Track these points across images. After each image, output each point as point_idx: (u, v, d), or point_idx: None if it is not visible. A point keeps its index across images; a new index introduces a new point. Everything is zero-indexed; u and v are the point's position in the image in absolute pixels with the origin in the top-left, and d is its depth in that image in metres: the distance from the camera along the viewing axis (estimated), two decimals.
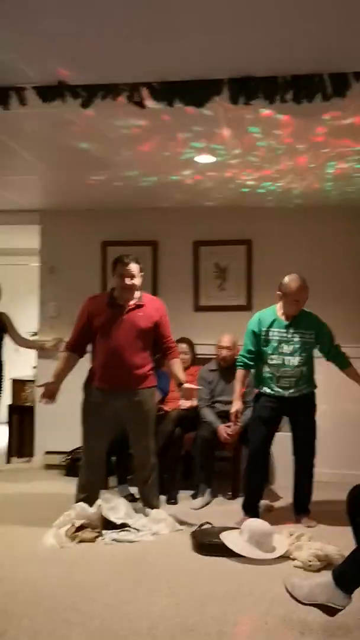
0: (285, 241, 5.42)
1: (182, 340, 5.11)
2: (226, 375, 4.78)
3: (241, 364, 4.05)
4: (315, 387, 4.06)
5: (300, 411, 3.98)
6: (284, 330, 3.92)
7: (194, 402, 3.96)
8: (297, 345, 3.90)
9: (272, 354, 3.92)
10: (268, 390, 3.98)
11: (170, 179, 4.48)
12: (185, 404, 3.92)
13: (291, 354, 3.89)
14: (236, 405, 3.99)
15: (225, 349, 4.75)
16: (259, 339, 3.96)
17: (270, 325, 3.95)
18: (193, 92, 2.59)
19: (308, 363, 3.96)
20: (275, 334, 3.93)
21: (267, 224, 5.46)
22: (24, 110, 2.94)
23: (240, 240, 5.49)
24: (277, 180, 4.52)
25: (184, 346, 5.07)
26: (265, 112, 3.03)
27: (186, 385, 3.89)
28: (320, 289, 5.29)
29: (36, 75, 2.70)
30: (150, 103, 2.76)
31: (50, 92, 2.72)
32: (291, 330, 3.91)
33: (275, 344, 3.92)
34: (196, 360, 5.16)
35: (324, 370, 4.95)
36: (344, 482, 4.61)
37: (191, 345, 5.16)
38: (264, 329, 3.95)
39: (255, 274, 5.47)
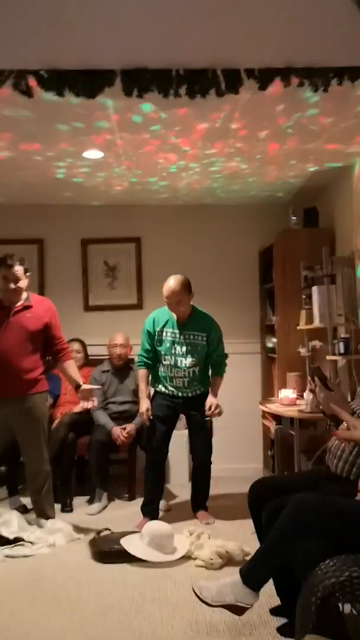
0: (175, 239, 5.42)
1: (73, 340, 4.95)
2: (119, 375, 4.70)
3: (141, 363, 4.01)
4: (209, 387, 4.04)
5: (195, 410, 3.96)
6: (177, 332, 3.89)
7: (94, 403, 3.84)
8: (189, 347, 3.88)
9: (166, 354, 3.90)
10: (163, 389, 3.97)
11: (55, 173, 4.30)
12: (85, 405, 3.80)
13: (183, 355, 3.87)
14: (145, 404, 3.92)
15: (119, 347, 4.67)
16: (154, 339, 3.93)
17: (164, 326, 3.92)
18: (84, 82, 2.47)
19: (201, 364, 3.93)
20: (168, 334, 3.91)
21: (156, 221, 5.42)
22: None
23: (130, 238, 5.41)
24: (163, 177, 4.48)
25: (76, 346, 4.92)
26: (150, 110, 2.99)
27: (85, 386, 3.78)
28: (209, 286, 5.37)
29: None
30: (38, 92, 2.60)
31: None
32: (184, 332, 3.89)
33: (169, 345, 3.89)
34: (88, 361, 5.02)
35: None
36: (237, 476, 4.76)
37: (83, 345, 5.02)
38: (158, 329, 3.92)
39: (146, 272, 5.42)
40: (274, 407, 4.25)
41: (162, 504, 4.33)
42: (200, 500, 4.07)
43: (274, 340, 4.92)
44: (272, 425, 4.62)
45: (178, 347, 3.88)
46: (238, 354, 5.35)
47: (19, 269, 3.64)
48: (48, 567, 3.25)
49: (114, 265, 5.44)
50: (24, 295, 3.72)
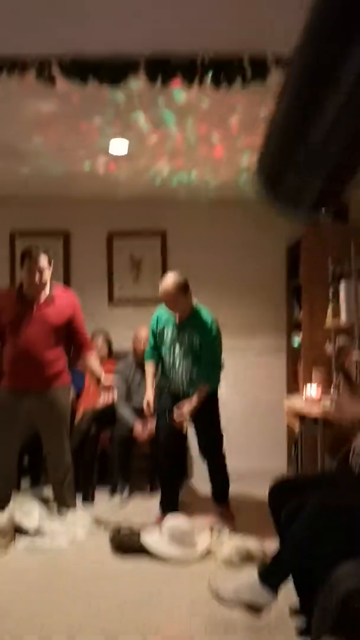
0: (201, 233, 5.37)
1: (98, 334, 4.95)
2: (143, 370, 4.65)
3: (147, 356, 4.01)
4: (217, 384, 3.89)
5: (198, 408, 3.76)
6: (176, 331, 3.79)
7: (114, 396, 3.82)
8: (187, 347, 3.76)
9: (165, 353, 3.85)
10: (167, 384, 3.91)
11: (82, 168, 4.29)
12: (105, 399, 3.79)
13: (181, 356, 3.77)
14: (149, 395, 3.90)
15: (144, 343, 4.62)
16: (156, 337, 3.89)
17: (165, 324, 3.84)
18: (108, 69, 2.44)
19: (200, 365, 3.79)
20: (168, 333, 3.82)
21: (182, 215, 5.37)
22: None
23: (155, 232, 5.38)
24: (190, 171, 4.43)
25: (100, 340, 4.92)
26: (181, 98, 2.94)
27: (105, 379, 3.75)
28: (235, 281, 5.33)
29: None
30: (61, 81, 2.57)
31: None
32: (181, 331, 3.77)
33: (168, 344, 3.82)
34: (112, 355, 5.01)
35: (234, 363, 4.97)
36: (260, 473, 4.70)
37: (108, 339, 5.01)
38: (159, 328, 3.86)
39: (171, 266, 5.37)
40: (298, 405, 4.18)
41: (185, 500, 4.31)
42: (218, 496, 3.97)
43: (300, 337, 4.84)
44: (296, 423, 4.55)
45: (177, 347, 3.78)
46: (263, 350, 5.31)
47: (43, 261, 3.63)
48: (67, 559, 3.25)
49: (139, 259, 5.42)
50: (47, 287, 3.72)
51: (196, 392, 3.72)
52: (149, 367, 3.99)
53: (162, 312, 3.88)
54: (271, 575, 2.25)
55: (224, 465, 3.96)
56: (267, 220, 5.32)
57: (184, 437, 3.97)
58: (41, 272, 3.61)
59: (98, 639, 2.41)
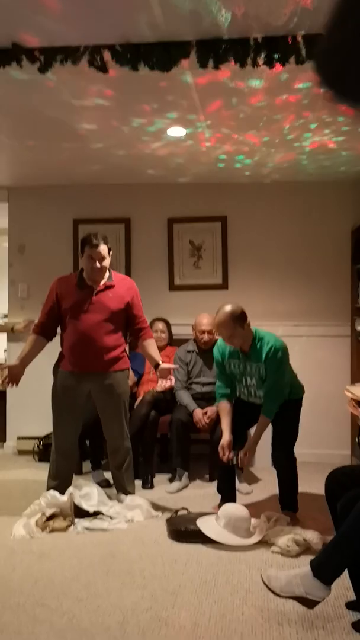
0: (262, 217, 5.28)
1: (158, 320, 4.98)
2: (204, 356, 4.65)
3: (218, 396, 3.75)
4: (301, 393, 3.75)
5: (281, 416, 3.60)
6: (243, 363, 3.59)
7: (172, 382, 3.80)
8: (256, 377, 3.55)
9: (239, 385, 3.67)
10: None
11: (141, 152, 4.29)
12: (163, 384, 3.81)
13: (255, 386, 3.59)
14: (226, 437, 3.58)
15: (207, 334, 4.59)
16: (225, 368, 3.68)
17: (230, 357, 3.64)
18: (158, 55, 2.41)
19: None
20: (235, 365, 3.63)
21: (242, 199, 5.30)
22: None
23: (216, 217, 5.32)
24: (251, 153, 4.35)
25: (160, 326, 4.94)
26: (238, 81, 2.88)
27: (163, 365, 3.75)
28: (297, 266, 5.22)
29: None
30: (113, 67, 2.57)
31: (4, 56, 2.51)
32: (248, 363, 3.56)
33: (239, 377, 3.63)
34: (172, 341, 5.03)
35: (297, 350, 4.88)
36: (323, 462, 4.62)
37: (168, 325, 5.03)
38: (227, 361, 3.66)
39: (231, 251, 5.33)
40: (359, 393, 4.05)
41: (245, 487, 4.29)
42: (286, 500, 3.76)
43: None
44: (358, 412, 4.42)
45: (248, 379, 3.59)
46: (326, 336, 5.19)
47: (103, 248, 3.67)
48: (124, 542, 3.30)
49: (199, 245, 5.38)
50: (107, 274, 3.75)
51: (258, 427, 3.53)
52: (223, 408, 3.68)
53: (224, 346, 3.63)
54: (325, 568, 2.21)
55: (295, 468, 3.75)
56: (330, 203, 5.21)
57: (245, 431, 3.90)
58: (100, 258, 3.65)
59: (150, 622, 2.43)
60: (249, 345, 3.53)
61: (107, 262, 3.70)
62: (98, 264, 3.65)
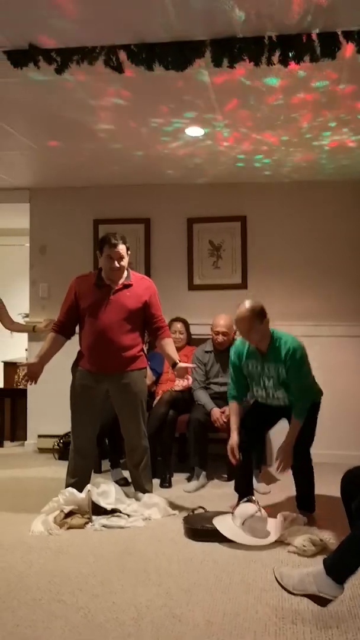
0: (281, 217, 5.27)
1: (177, 319, 4.99)
2: (222, 356, 4.65)
3: (229, 397, 3.78)
4: (317, 397, 3.71)
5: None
6: (260, 364, 3.57)
7: (189, 381, 3.82)
8: (275, 379, 3.54)
9: (256, 386, 3.67)
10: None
11: (160, 152, 4.31)
12: (181, 383, 3.82)
13: (273, 387, 3.58)
14: (234, 438, 3.64)
15: (222, 335, 4.59)
16: (241, 370, 3.68)
17: (247, 358, 3.63)
18: (173, 54, 2.43)
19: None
20: (252, 366, 3.62)
21: (261, 199, 5.30)
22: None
23: (235, 217, 5.33)
24: (270, 153, 4.35)
25: (178, 326, 4.96)
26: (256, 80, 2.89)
27: (181, 364, 3.75)
28: (316, 266, 5.20)
29: (5, 39, 2.52)
30: (129, 68, 2.59)
31: (22, 57, 2.55)
32: (266, 364, 3.54)
33: (257, 378, 3.62)
34: (191, 341, 5.04)
35: (322, 350, 4.86)
36: (340, 463, 4.57)
37: (186, 325, 5.04)
38: (244, 362, 3.65)
39: (251, 251, 5.33)
40: None
41: (262, 487, 4.28)
42: (303, 500, 3.76)
43: None
44: None
45: (266, 380, 3.58)
46: (346, 336, 5.16)
47: (122, 248, 3.69)
48: (141, 540, 3.31)
49: (218, 245, 5.39)
50: (125, 273, 3.78)
51: (290, 430, 3.53)
52: (233, 408, 3.74)
53: (241, 347, 3.66)
54: (338, 567, 2.20)
55: (311, 468, 3.76)
56: (350, 202, 5.18)
57: (263, 433, 3.88)
58: (119, 258, 3.68)
59: (164, 619, 2.44)
60: (266, 344, 3.52)
61: (125, 262, 3.73)
62: (117, 264, 3.68)
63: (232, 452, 3.64)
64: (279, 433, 3.99)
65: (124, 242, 3.72)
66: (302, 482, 3.73)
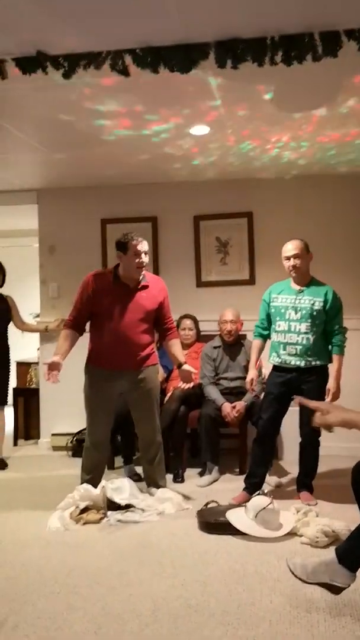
0: (288, 212, 5.29)
1: (186, 316, 5.04)
2: (230, 351, 4.71)
3: (256, 334, 4.08)
4: (328, 361, 3.87)
5: (309, 386, 3.77)
6: (293, 297, 3.87)
7: (195, 383, 3.89)
8: (304, 312, 3.80)
9: (280, 320, 3.88)
10: (277, 360, 3.88)
11: (167, 151, 4.36)
12: (183, 386, 3.86)
13: (298, 320, 3.81)
14: (251, 374, 4.02)
15: (230, 323, 4.65)
16: (269, 305, 3.96)
17: (280, 292, 3.94)
18: (178, 57, 2.47)
19: (317, 333, 3.79)
20: (283, 300, 3.90)
21: (268, 195, 5.33)
22: (7, 84, 2.84)
23: (242, 213, 5.36)
24: (275, 149, 4.38)
25: (188, 322, 5.01)
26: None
27: (185, 367, 3.82)
28: (325, 260, 5.19)
29: (14, 46, 2.58)
30: (134, 71, 2.64)
31: (30, 64, 2.60)
32: (299, 296, 3.85)
33: (283, 310, 3.87)
34: (200, 337, 5.09)
35: None
36: (350, 455, 4.60)
37: (195, 321, 5.09)
38: (274, 295, 3.95)
39: (258, 247, 5.36)
40: None
41: (274, 479, 4.33)
42: (305, 480, 3.93)
43: None
44: None
45: (292, 312, 3.83)
46: (356, 330, 5.16)
47: (146, 244, 3.74)
48: (155, 534, 3.37)
49: (225, 241, 5.43)
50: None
51: (334, 366, 3.82)
52: (255, 345, 4.09)
53: (279, 284, 4.01)
54: (349, 555, 2.25)
55: (318, 445, 3.91)
56: (357, 196, 5.19)
57: (280, 422, 3.96)
58: (146, 254, 3.73)
59: (180, 609, 2.50)
60: (306, 281, 3.89)
61: (147, 260, 3.77)
62: (145, 258, 3.71)
63: (250, 384, 4.02)
64: (290, 427, 4.05)
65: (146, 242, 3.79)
66: (309, 459, 3.91)
